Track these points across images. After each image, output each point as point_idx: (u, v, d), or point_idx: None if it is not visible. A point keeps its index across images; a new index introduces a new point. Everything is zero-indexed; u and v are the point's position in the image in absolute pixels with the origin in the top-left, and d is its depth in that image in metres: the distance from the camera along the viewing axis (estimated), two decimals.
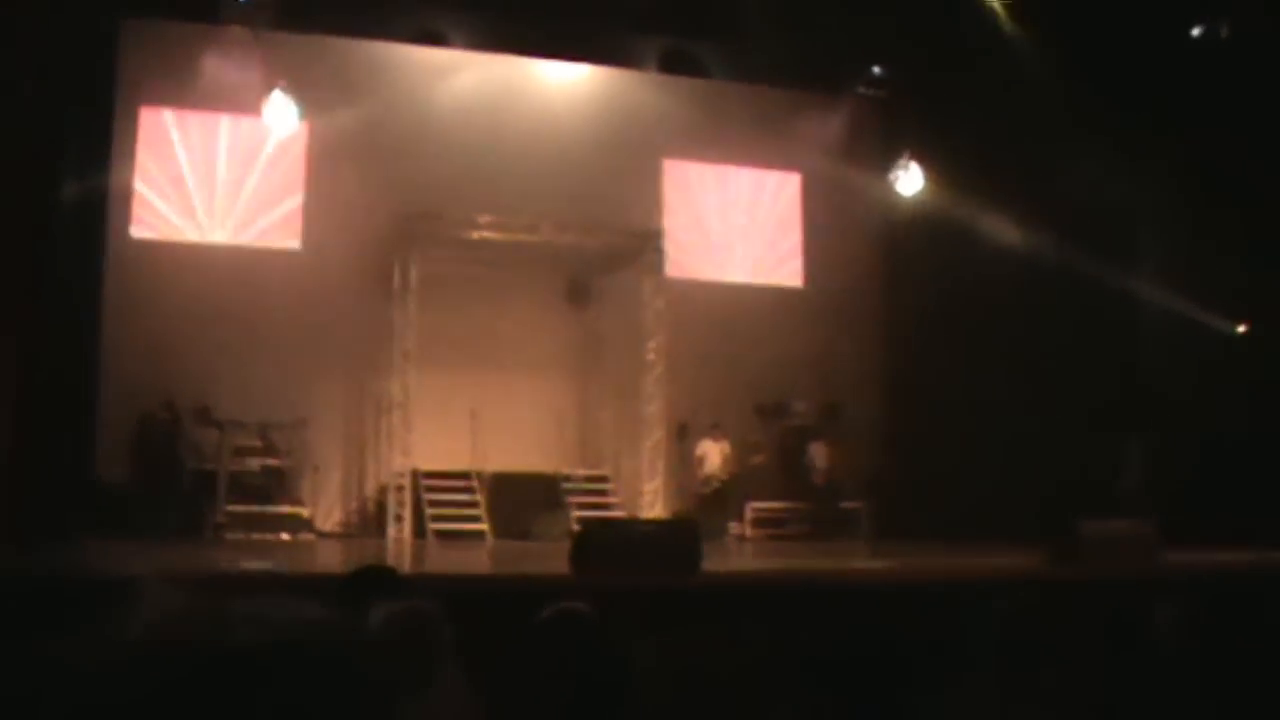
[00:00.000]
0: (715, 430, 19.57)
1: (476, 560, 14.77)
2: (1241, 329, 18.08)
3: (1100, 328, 18.05)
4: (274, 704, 1.07)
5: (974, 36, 18.39)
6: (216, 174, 19.06)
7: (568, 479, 19.04)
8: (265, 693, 1.07)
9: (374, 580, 5.61)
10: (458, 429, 18.45)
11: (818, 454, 19.99)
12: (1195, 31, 17.94)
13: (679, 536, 11.05)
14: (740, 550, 17.87)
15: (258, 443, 18.03)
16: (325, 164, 19.16)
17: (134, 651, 1.07)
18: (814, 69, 19.96)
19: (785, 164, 21.68)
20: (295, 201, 19.30)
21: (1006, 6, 18.42)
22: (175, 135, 18.87)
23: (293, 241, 19.24)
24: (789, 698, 3.86)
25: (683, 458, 19.94)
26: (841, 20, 19.02)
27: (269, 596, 1.15)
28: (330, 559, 14.33)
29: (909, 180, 19.61)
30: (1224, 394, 17.67)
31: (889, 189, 19.97)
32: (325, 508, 18.84)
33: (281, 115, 17.82)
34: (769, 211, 21.89)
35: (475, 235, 18.78)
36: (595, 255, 19.88)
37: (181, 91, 18.48)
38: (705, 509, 18.74)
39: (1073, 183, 17.46)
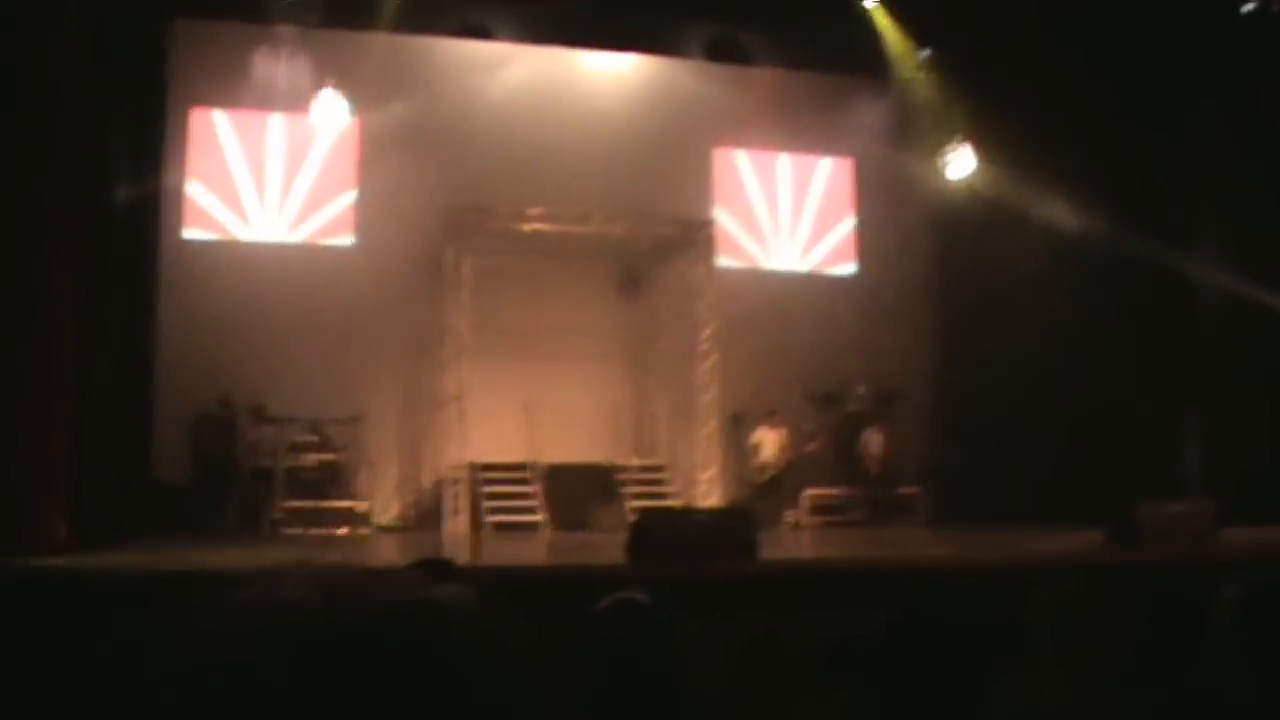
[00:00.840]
0: (772, 417, 19.56)
1: (534, 551, 14.81)
2: None
3: (1157, 309, 17.90)
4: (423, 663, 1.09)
5: (1023, 16, 18.26)
6: (268, 172, 19.18)
7: (623, 469, 19.06)
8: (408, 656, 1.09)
9: (432, 573, 5.64)
10: (512, 421, 18.51)
11: (873, 440, 19.92)
12: (1247, 7, 17.76)
13: (735, 525, 11.06)
14: (797, 537, 17.84)
15: (313, 438, 18.14)
16: (376, 159, 19.26)
17: (270, 625, 1.09)
18: (862, 54, 19.85)
19: (836, 149, 21.61)
20: (348, 198, 19.41)
21: None
22: (226, 134, 19.01)
23: (345, 237, 19.35)
24: (846, 684, 3.86)
25: (738, 446, 19.94)
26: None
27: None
28: (388, 553, 14.39)
29: (961, 164, 19.49)
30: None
31: (941, 173, 19.85)
32: (382, 502, 18.94)
33: (332, 112, 17.93)
34: (821, 198, 21.83)
35: (526, 227, 18.85)
36: (646, 245, 19.92)
37: (232, 91, 18.59)
38: (761, 497, 18.74)
39: (1127, 162, 17.30)
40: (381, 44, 19.02)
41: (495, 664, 1.14)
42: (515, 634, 1.20)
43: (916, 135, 20.49)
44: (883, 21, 19.72)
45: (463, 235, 18.58)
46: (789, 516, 19.48)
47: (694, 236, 19.81)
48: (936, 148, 19.89)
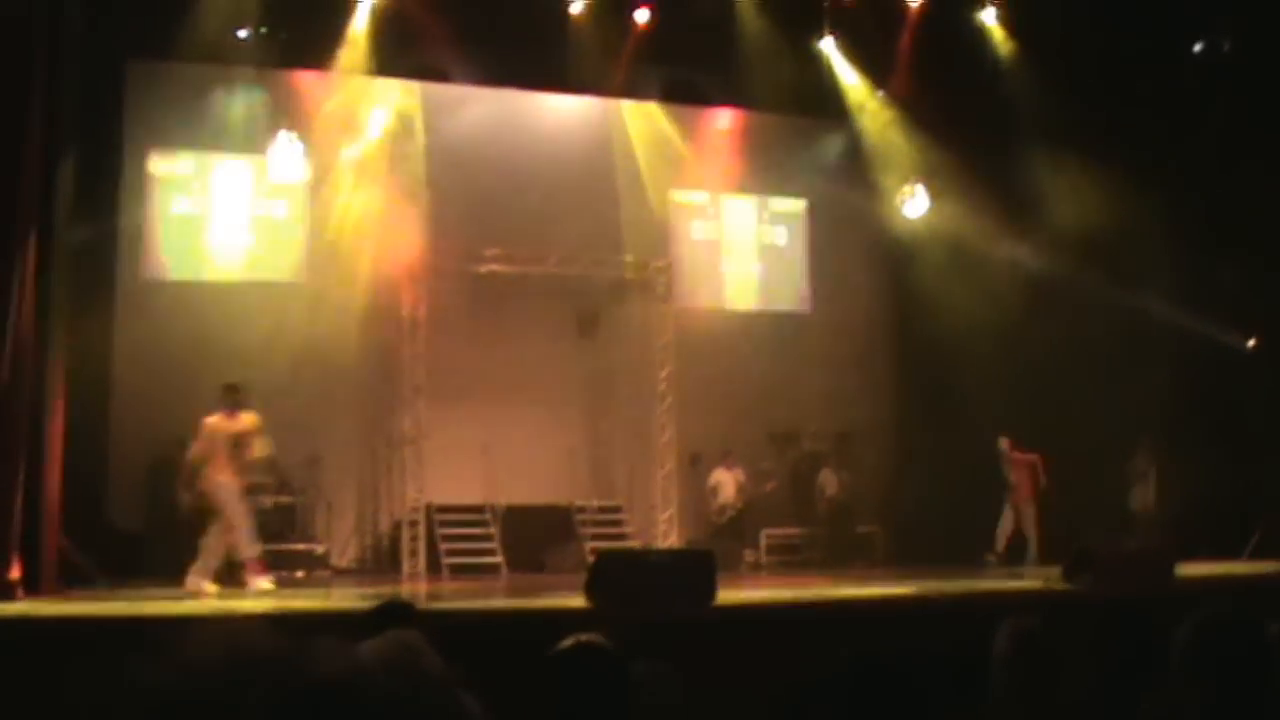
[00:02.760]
0: (728, 458, 19.59)
1: (492, 594, 14.75)
2: (1252, 344, 18.09)
3: (1111, 347, 18.05)
4: None
5: (975, 58, 18.44)
6: (224, 213, 19.11)
7: (581, 510, 19.02)
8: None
9: (393, 615, 5.62)
10: (470, 463, 18.45)
11: (828, 481, 19.96)
12: (1197, 47, 17.99)
13: (694, 566, 11.04)
14: (755, 578, 17.82)
15: (270, 480, 18.02)
16: (332, 200, 19.20)
17: (216, 685, 1.09)
18: (817, 95, 19.98)
19: (792, 189, 21.68)
20: (302, 238, 19.34)
21: (1005, 26, 18.51)
22: (182, 174, 18.94)
23: (300, 277, 19.27)
24: None
25: (696, 487, 19.93)
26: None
27: (298, 638, 1.17)
28: (347, 596, 14.31)
29: (915, 203, 19.58)
30: (1236, 410, 17.70)
31: (897, 213, 19.94)
32: (340, 544, 18.82)
33: (287, 154, 17.88)
34: (776, 239, 21.90)
35: (482, 269, 18.86)
36: (604, 286, 19.94)
37: (187, 131, 18.50)
38: (720, 538, 18.71)
39: (1081, 202, 17.45)
40: (338, 85, 19.02)
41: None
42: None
43: (872, 175, 20.59)
44: (837, 63, 19.85)
45: (419, 276, 18.56)
46: (748, 557, 19.48)
47: (651, 277, 19.86)
48: (892, 187, 19.98)
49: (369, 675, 1.14)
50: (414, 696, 1.18)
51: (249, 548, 14.07)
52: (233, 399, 14.17)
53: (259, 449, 14.26)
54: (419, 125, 19.65)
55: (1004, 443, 18.13)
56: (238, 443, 13.96)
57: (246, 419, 14.11)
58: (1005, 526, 17.95)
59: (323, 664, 1.15)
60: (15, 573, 11.06)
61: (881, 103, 20.26)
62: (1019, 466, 18.10)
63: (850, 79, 20.11)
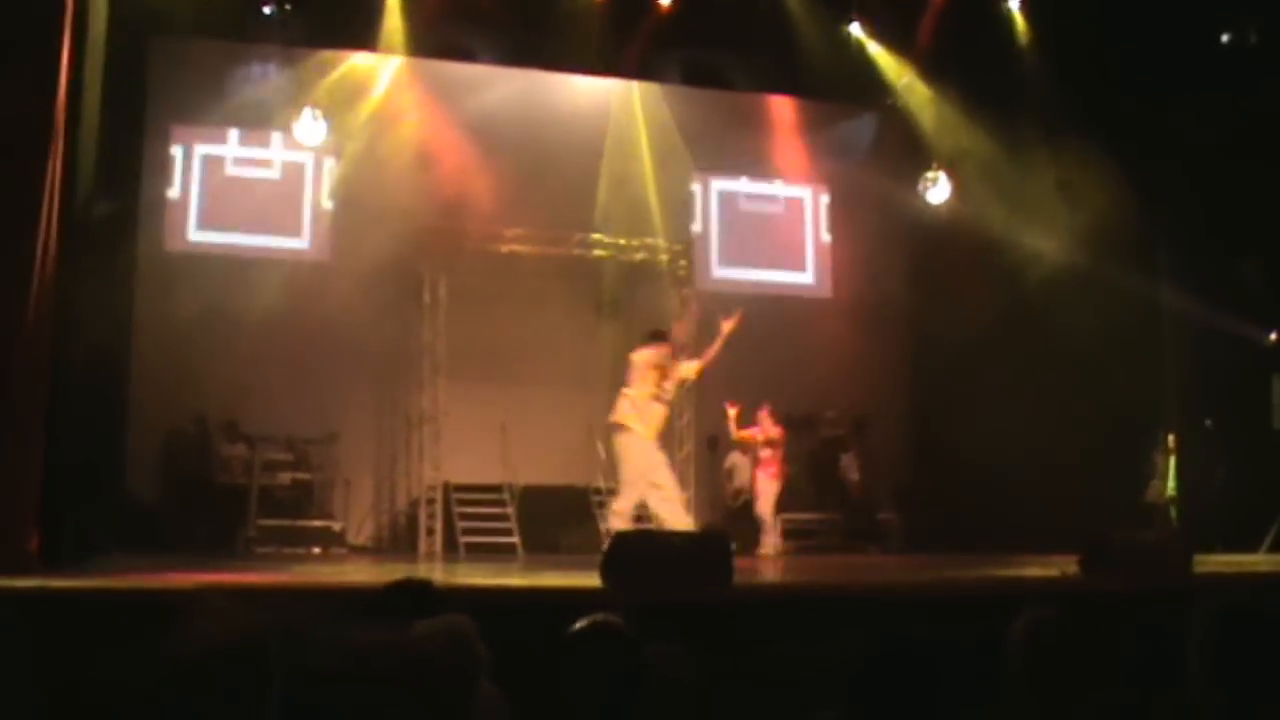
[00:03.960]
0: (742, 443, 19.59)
1: (508, 573, 14.77)
2: (1274, 337, 18.02)
3: (1132, 337, 17.99)
4: None
5: (1000, 46, 18.36)
6: (246, 188, 19.16)
7: (599, 491, 19.03)
8: (343, 712, 1.09)
9: (412, 592, 5.62)
10: (488, 442, 18.49)
11: (849, 466, 19.94)
12: (1224, 38, 17.88)
13: (711, 549, 11.01)
14: (772, 562, 17.82)
15: (288, 457, 18.09)
16: (355, 177, 19.24)
17: (205, 667, 1.10)
18: (841, 79, 19.90)
19: (813, 174, 21.68)
20: (325, 214, 19.39)
21: (1029, 16, 18.44)
22: (205, 150, 19.00)
23: (323, 255, 19.32)
24: (821, 710, 3.86)
25: (714, 469, 19.93)
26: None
27: (332, 616, 1.17)
28: (363, 572, 14.34)
29: (938, 189, 19.51)
30: (1255, 403, 17.65)
31: (918, 198, 19.87)
32: (357, 521, 18.89)
33: (311, 130, 17.88)
34: (798, 222, 21.89)
35: (504, 249, 18.87)
36: (624, 268, 19.93)
37: (211, 107, 18.57)
38: (736, 522, 18.71)
39: (1102, 192, 17.38)
40: (363, 63, 19.05)
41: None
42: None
43: (894, 160, 20.53)
44: (864, 47, 19.76)
45: (440, 255, 18.58)
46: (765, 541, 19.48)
47: (672, 259, 19.84)
48: (914, 172, 19.91)
49: (362, 665, 1.15)
50: (419, 686, 1.18)
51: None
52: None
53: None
54: (443, 105, 19.65)
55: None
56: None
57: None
58: None
59: (314, 652, 1.15)
60: (34, 544, 11.09)
61: (905, 88, 20.18)
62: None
63: (875, 64, 20.02)
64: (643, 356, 14.52)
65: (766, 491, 18.55)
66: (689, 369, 15.21)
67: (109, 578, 10.79)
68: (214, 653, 1.07)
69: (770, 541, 18.43)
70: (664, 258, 19.90)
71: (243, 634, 1.09)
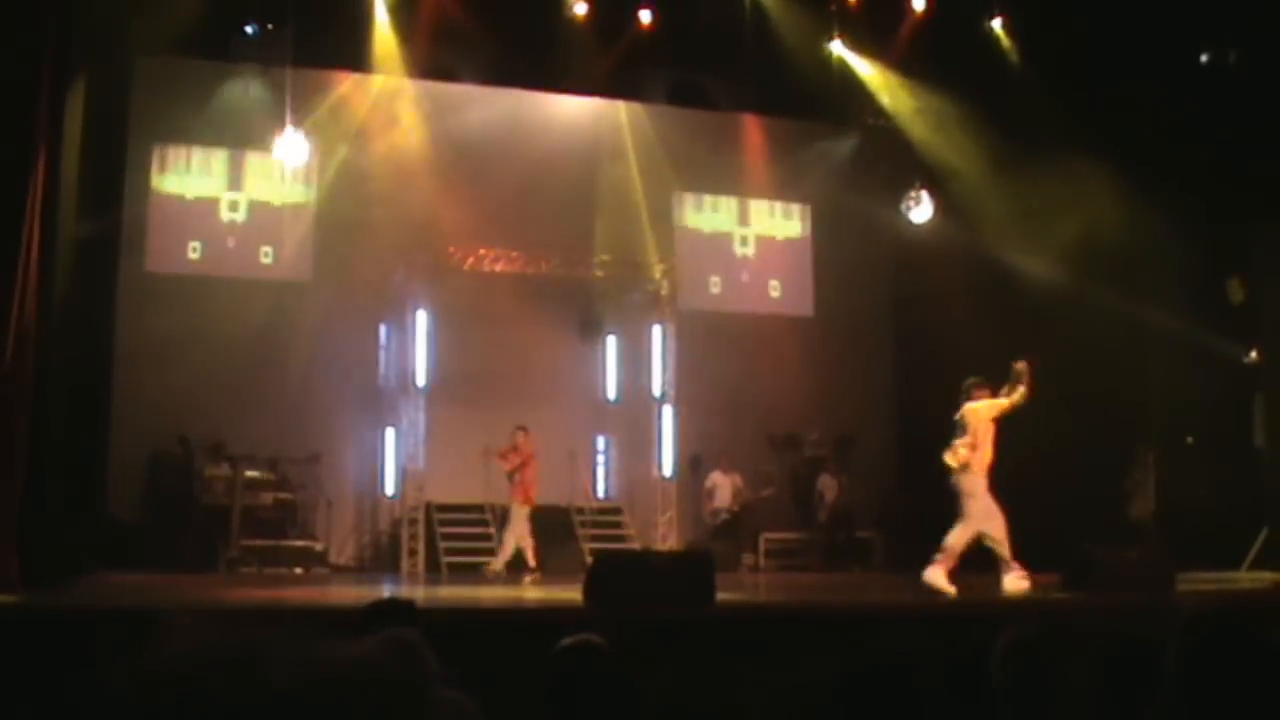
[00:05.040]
0: (725, 462, 19.59)
1: (491, 593, 14.75)
2: (1253, 356, 18.07)
3: (1113, 355, 18.01)
4: None
5: (981, 65, 18.44)
6: (229, 209, 19.14)
7: (581, 511, 19.02)
8: None
9: (392, 612, 5.61)
10: (470, 462, 18.46)
11: (827, 486, 19.94)
12: (1203, 58, 17.96)
13: (693, 568, 11.03)
14: (754, 581, 17.82)
15: (270, 476, 18.05)
16: (337, 198, 19.24)
17: (170, 687, 1.09)
18: (823, 99, 19.97)
19: (796, 193, 21.71)
20: (307, 235, 19.37)
21: (1011, 35, 18.52)
22: (188, 170, 18.98)
23: (304, 275, 19.29)
24: None
25: (696, 489, 19.93)
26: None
27: (299, 635, 1.17)
28: (345, 592, 14.30)
29: (921, 209, 19.53)
30: (1234, 421, 17.69)
31: (900, 218, 19.90)
32: (339, 541, 18.85)
33: (293, 150, 17.88)
34: (780, 242, 21.91)
35: (486, 269, 18.86)
36: (606, 287, 19.93)
37: (194, 127, 18.59)
38: (717, 541, 18.71)
39: (1084, 211, 17.43)
40: (345, 83, 19.08)
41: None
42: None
43: (876, 178, 20.57)
44: (844, 68, 19.83)
45: (422, 275, 18.57)
46: (747, 560, 19.49)
47: (654, 279, 19.86)
48: (897, 191, 19.94)
49: (331, 682, 1.15)
50: (386, 701, 1.18)
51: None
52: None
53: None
54: (425, 125, 19.67)
55: None
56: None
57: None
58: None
59: (279, 670, 1.15)
60: (14, 565, 11.05)
61: (887, 108, 20.24)
62: None
63: (857, 83, 20.08)
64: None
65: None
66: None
67: (87, 597, 10.77)
68: (178, 675, 1.06)
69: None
70: (647, 277, 19.89)
71: (209, 655, 1.09)
